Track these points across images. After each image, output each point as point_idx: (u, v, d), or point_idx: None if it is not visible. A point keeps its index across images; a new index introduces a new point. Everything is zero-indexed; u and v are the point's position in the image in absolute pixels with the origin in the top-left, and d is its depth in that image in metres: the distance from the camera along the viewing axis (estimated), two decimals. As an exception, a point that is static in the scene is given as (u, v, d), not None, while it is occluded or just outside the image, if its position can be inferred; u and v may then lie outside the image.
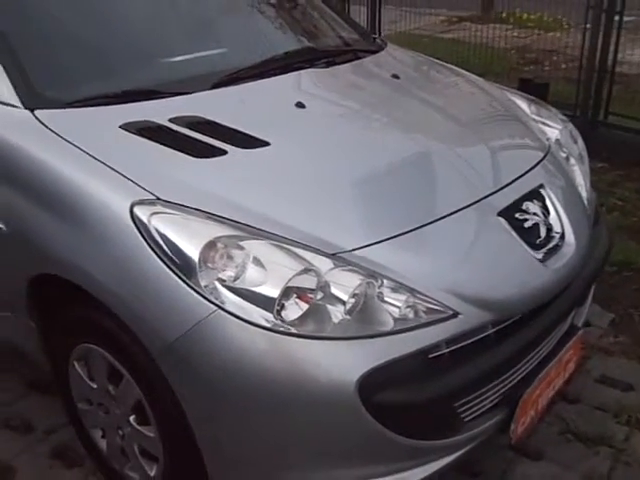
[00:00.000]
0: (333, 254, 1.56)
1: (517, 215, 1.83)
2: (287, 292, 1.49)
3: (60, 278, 1.75)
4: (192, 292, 1.49)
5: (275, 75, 2.20)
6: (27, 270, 1.85)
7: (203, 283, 1.50)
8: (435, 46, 7.01)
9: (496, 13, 8.26)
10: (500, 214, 1.81)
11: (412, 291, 1.57)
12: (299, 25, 2.76)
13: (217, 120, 1.87)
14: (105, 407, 1.91)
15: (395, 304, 1.56)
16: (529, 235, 1.81)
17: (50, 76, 1.98)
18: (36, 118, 1.82)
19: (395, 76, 2.39)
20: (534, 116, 2.46)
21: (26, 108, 1.85)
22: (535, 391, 1.79)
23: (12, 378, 2.46)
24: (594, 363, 2.53)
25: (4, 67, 1.89)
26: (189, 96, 1.99)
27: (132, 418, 1.81)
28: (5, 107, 1.86)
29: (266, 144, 1.82)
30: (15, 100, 1.86)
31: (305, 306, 1.51)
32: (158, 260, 1.53)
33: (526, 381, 1.77)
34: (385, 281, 1.56)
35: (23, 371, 2.45)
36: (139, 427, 1.79)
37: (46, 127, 1.80)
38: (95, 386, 1.90)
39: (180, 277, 1.51)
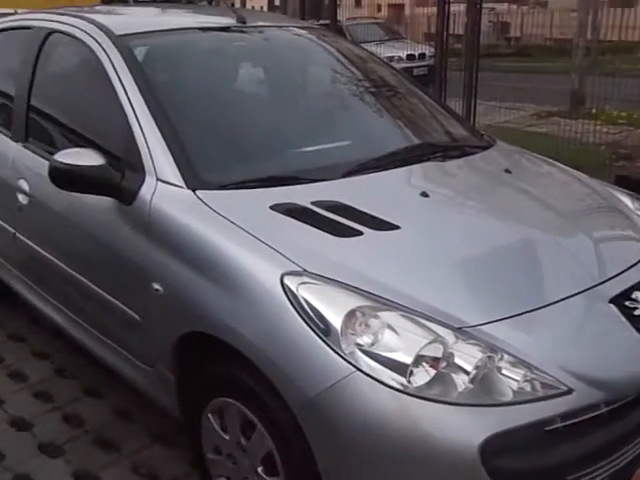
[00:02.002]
0: (458, 328, 1.75)
1: (627, 303, 1.97)
2: (418, 359, 1.68)
3: (206, 336, 2.00)
4: (333, 354, 1.70)
5: (398, 167, 2.46)
6: (178, 328, 2.11)
7: (343, 347, 1.70)
8: (525, 140, 7.19)
9: (585, 109, 8.44)
10: (611, 301, 1.95)
11: (530, 366, 1.72)
12: (415, 121, 3.05)
13: (353, 205, 2.13)
14: (234, 457, 2.09)
15: (514, 377, 1.71)
16: (639, 322, 1.95)
17: (209, 162, 2.31)
18: (197, 197, 2.13)
19: (507, 170, 2.62)
20: (638, 212, 2.61)
21: (189, 188, 2.16)
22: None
23: (139, 428, 2.70)
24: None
25: (172, 154, 2.23)
26: (325, 183, 2.28)
27: (260, 469, 1.98)
28: (171, 187, 2.18)
29: (396, 227, 2.05)
30: (180, 181, 2.18)
31: (433, 372, 1.69)
32: (304, 324, 1.75)
33: (637, 461, 1.86)
34: (505, 355, 1.73)
35: (149, 422, 2.69)
36: (267, 477, 1.97)
37: (206, 205, 2.09)
38: (227, 437, 2.09)
39: (323, 340, 1.72)
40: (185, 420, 2.28)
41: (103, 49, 2.56)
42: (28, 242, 2.89)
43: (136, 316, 2.28)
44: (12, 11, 7.38)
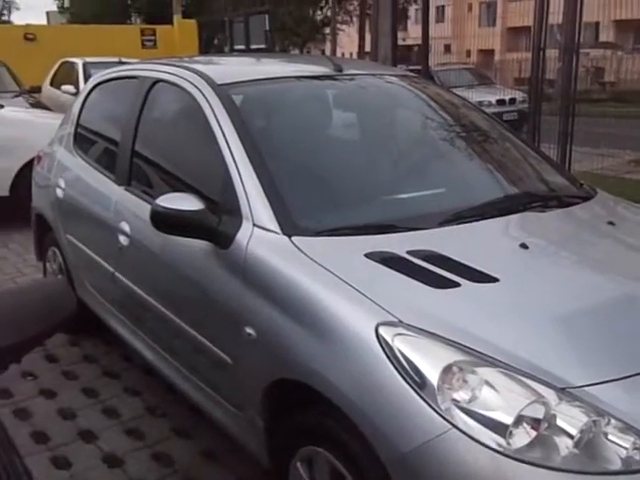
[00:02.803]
0: (562, 388, 1.66)
1: None
2: (518, 419, 1.61)
3: (297, 383, 1.99)
4: (429, 409, 1.65)
5: (495, 216, 2.40)
6: (269, 374, 2.11)
7: (439, 402, 1.65)
8: (622, 187, 6.97)
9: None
10: None
11: (639, 433, 1.62)
12: (512, 168, 2.99)
13: (449, 255, 2.09)
14: (322, 508, 2.06)
15: (622, 444, 1.61)
16: None
17: (305, 209, 2.33)
18: (293, 243, 2.14)
19: (610, 222, 2.51)
20: None
21: (284, 234, 2.18)
22: None
23: (226, 471, 2.70)
24: None
25: (269, 200, 2.26)
26: (420, 232, 2.25)
27: (348, 523, 1.94)
28: (267, 232, 2.21)
29: (495, 280, 1.99)
30: (276, 227, 2.20)
31: (533, 434, 1.61)
32: (399, 377, 1.71)
33: None
34: (612, 420, 1.63)
35: (236, 465, 2.69)
36: (354, 532, 1.92)
37: (302, 252, 2.10)
38: (315, 487, 2.06)
39: (418, 394, 1.67)
40: (273, 467, 2.26)
41: (205, 97, 2.65)
42: (126, 281, 2.99)
43: (227, 359, 2.30)
44: (117, 60, 7.83)
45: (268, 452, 2.25)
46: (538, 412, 1.62)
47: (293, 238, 2.16)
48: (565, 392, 1.66)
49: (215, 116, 2.56)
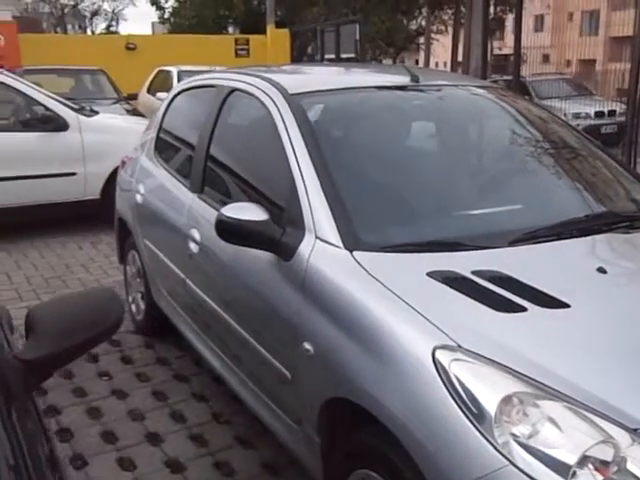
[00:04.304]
0: (635, 429, 1.52)
1: None
2: (583, 460, 1.48)
3: (353, 404, 1.92)
4: (485, 442, 1.55)
5: (572, 237, 2.25)
6: (325, 391, 2.06)
7: (497, 435, 1.54)
8: None
9: None
10: None
11: None
12: (597, 186, 2.81)
13: (518, 277, 1.96)
14: (373, 533, 1.98)
15: None
16: None
17: (369, 223, 2.26)
18: (354, 258, 2.08)
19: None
20: None
21: (346, 249, 2.12)
22: None
23: (284, 485, 2.67)
24: None
25: (333, 213, 2.21)
26: (489, 251, 2.13)
27: None
28: (329, 246, 2.16)
29: (566, 306, 1.86)
30: (338, 241, 2.15)
31: (600, 477, 1.48)
32: (454, 404, 1.62)
33: None
34: None
35: (294, 478, 2.65)
36: None
37: (362, 267, 2.04)
38: (368, 510, 1.99)
39: (474, 425, 1.57)
40: (328, 486, 2.20)
41: (276, 106, 2.64)
42: (195, 288, 3.01)
43: (287, 373, 2.27)
44: (209, 68, 8.03)
45: (323, 470, 2.20)
46: (606, 454, 1.49)
47: (355, 253, 2.10)
48: (638, 433, 1.51)
49: (285, 125, 2.54)
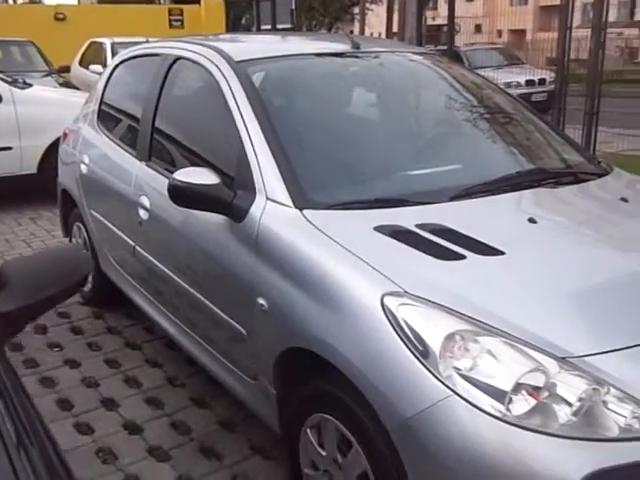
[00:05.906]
0: (562, 357, 1.69)
1: None
2: (517, 387, 1.65)
3: (306, 353, 2.04)
4: (431, 376, 1.69)
5: (506, 192, 2.42)
6: (280, 343, 2.17)
7: (441, 370, 1.69)
8: (651, 168, 6.87)
9: None
10: None
11: (638, 402, 1.64)
12: (529, 146, 2.99)
13: (457, 229, 2.12)
14: (330, 474, 2.11)
15: (620, 413, 1.63)
16: None
17: (316, 183, 2.38)
18: (304, 216, 2.19)
19: (624, 199, 2.51)
20: None
21: (296, 208, 2.23)
22: None
23: (241, 439, 2.78)
24: None
25: (282, 175, 2.31)
26: (430, 206, 2.28)
27: (355, 487, 1.99)
28: (280, 206, 2.26)
29: (501, 253, 2.02)
30: (288, 201, 2.25)
31: (533, 402, 1.64)
32: (402, 345, 1.76)
33: None
34: (611, 389, 1.65)
35: (251, 433, 2.77)
36: (361, 496, 1.98)
37: (312, 224, 2.15)
38: (324, 454, 2.11)
39: (421, 362, 1.72)
40: (284, 434, 2.32)
41: (222, 74, 2.70)
42: (146, 255, 3.07)
43: (242, 330, 2.36)
44: (144, 39, 7.90)
45: (280, 420, 2.32)
46: (538, 380, 1.66)
47: (304, 211, 2.21)
48: (565, 361, 1.69)
49: (232, 92, 2.60)
